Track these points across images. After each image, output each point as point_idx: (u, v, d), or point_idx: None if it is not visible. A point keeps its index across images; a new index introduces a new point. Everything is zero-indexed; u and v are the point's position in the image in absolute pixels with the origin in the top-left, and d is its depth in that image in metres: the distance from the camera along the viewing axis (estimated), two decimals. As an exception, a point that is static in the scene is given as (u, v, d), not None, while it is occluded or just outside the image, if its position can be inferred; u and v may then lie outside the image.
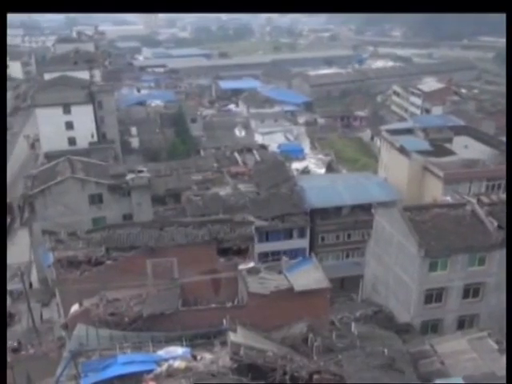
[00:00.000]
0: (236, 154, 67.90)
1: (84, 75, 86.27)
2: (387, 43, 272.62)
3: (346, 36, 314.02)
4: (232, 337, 29.73)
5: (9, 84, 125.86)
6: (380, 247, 40.34)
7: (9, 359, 44.49)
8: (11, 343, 45.70)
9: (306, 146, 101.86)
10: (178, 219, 38.79)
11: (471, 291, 36.24)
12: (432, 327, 36.81)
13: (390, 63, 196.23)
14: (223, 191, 56.79)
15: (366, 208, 52.16)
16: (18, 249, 59.44)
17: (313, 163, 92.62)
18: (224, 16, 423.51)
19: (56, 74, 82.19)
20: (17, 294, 50.46)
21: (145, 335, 29.98)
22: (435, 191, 53.75)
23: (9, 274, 54.66)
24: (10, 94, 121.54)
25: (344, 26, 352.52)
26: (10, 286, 51.69)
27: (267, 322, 33.56)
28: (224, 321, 31.48)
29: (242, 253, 37.31)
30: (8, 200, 70.31)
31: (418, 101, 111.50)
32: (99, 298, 33.62)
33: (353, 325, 32.38)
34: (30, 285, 51.61)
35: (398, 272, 37.59)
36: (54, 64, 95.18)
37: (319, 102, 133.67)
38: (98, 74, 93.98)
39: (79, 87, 73.50)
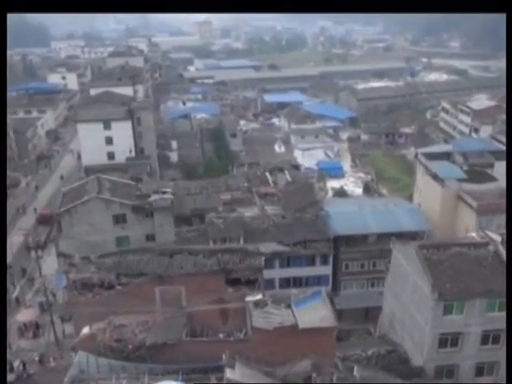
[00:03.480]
0: (267, 174, 67.59)
1: (128, 91, 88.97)
2: (444, 54, 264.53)
3: (402, 46, 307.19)
4: (228, 374, 29.44)
5: (63, 95, 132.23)
6: (397, 283, 38.84)
7: (31, 370, 46.71)
8: (35, 355, 47.71)
9: (347, 163, 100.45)
10: (188, 247, 38.98)
11: (491, 338, 34.07)
12: (447, 372, 34.92)
13: (444, 76, 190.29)
14: (249, 212, 56.70)
15: (393, 236, 50.45)
16: (53, 260, 61.74)
17: (351, 182, 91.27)
18: (278, 25, 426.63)
19: (101, 90, 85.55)
20: (46, 305, 52.13)
21: (142, 366, 30.19)
22: (468, 222, 51.39)
23: (38, 285, 57.39)
24: (63, 105, 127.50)
25: (400, 35, 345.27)
26: (39, 298, 54.05)
27: (271, 358, 33.00)
28: (223, 355, 31.13)
29: (251, 283, 36.97)
30: (49, 211, 73.59)
31: (466, 119, 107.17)
32: (107, 322, 34.23)
33: (355, 368, 31.22)
34: (54, 296, 53.41)
35: (412, 312, 36.00)
36: (101, 79, 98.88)
37: (365, 117, 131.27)
38: (141, 90, 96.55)
39: (120, 103, 75.98)
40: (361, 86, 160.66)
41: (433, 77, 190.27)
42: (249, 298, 35.24)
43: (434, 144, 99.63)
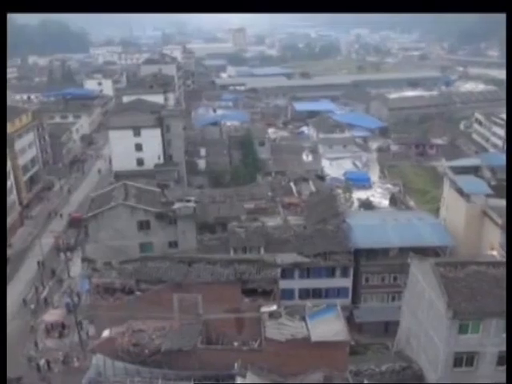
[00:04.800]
0: (291, 184, 67.97)
1: (159, 98, 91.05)
2: (481, 63, 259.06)
3: (438, 55, 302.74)
4: (239, 382, 30.02)
5: (99, 101, 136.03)
6: (413, 299, 38.65)
7: (56, 369, 48.41)
8: (60, 355, 49.44)
9: (375, 173, 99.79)
10: (206, 256, 39.83)
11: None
12: (462, 392, 34.54)
13: (481, 86, 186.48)
14: (272, 222, 57.27)
15: (416, 251, 50.02)
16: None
17: (378, 193, 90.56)
18: (313, 33, 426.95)
19: (133, 97, 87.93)
20: (72, 306, 53.87)
21: (157, 371, 31.11)
22: (493, 239, 50.46)
23: (66, 286, 59.37)
24: (98, 111, 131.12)
25: (437, 43, 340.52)
26: (66, 299, 55.94)
27: (283, 369, 33.50)
28: (235, 364, 31.75)
29: (267, 294, 37.46)
30: (80, 214, 75.91)
31: (500, 131, 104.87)
32: (126, 327, 35.37)
33: (365, 383, 31.29)
34: (79, 298, 55.12)
35: (428, 329, 35.78)
36: (134, 86, 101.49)
37: (396, 127, 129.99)
38: (172, 97, 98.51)
39: (150, 111, 77.83)
40: (393, 95, 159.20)
41: (468, 86, 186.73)
42: (264, 309, 35.77)
43: (466, 156, 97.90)
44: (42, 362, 47.89)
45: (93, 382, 30.62)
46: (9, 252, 68.67)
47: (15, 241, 72.16)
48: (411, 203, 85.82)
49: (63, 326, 52.93)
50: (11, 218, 72.83)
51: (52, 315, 53.88)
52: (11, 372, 45.28)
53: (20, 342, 50.77)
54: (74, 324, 51.60)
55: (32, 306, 56.55)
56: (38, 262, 64.66)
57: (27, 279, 62.42)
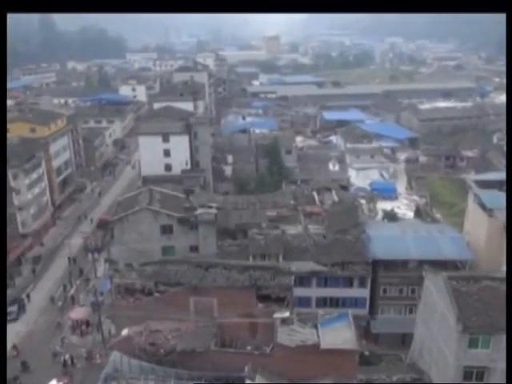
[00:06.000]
0: (314, 193, 68.64)
1: (188, 106, 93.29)
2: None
3: (474, 65, 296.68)
4: (248, 385, 31.06)
5: (132, 106, 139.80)
6: (427, 312, 38.86)
7: (79, 365, 50.43)
8: (83, 351, 51.48)
9: (402, 185, 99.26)
10: (223, 261, 41.08)
11: (519, 375, 33.40)
12: (472, 407, 34.55)
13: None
14: (293, 230, 58.06)
15: (435, 264, 50.02)
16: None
17: (404, 204, 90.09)
18: (347, 41, 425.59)
19: (164, 104, 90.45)
20: (97, 305, 55.93)
21: (170, 371, 32.43)
22: (515, 255, 49.91)
23: (91, 285, 61.64)
24: (131, 116, 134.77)
25: (474, 53, 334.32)
26: (91, 298, 58.14)
27: (293, 374, 34.37)
28: (246, 367, 32.78)
29: (281, 301, 38.38)
30: (108, 216, 78.45)
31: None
32: (144, 326, 36.93)
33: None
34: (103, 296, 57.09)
35: (439, 342, 35.97)
36: (165, 93, 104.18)
37: (426, 139, 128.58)
38: (201, 105, 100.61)
39: (179, 118, 79.92)
40: (425, 105, 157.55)
41: (504, 98, 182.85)
42: (277, 315, 36.72)
43: (496, 169, 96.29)
44: (67, 357, 49.95)
45: (109, 378, 32.16)
46: (40, 251, 71.85)
47: (47, 240, 75.24)
48: (437, 215, 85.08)
49: (88, 324, 55.00)
50: (44, 218, 76.03)
51: (78, 313, 56.05)
52: (37, 365, 47.88)
53: (46, 337, 53.15)
54: (98, 322, 53.64)
55: (59, 303, 58.97)
56: (69, 260, 67.21)
57: (56, 277, 65.09)
